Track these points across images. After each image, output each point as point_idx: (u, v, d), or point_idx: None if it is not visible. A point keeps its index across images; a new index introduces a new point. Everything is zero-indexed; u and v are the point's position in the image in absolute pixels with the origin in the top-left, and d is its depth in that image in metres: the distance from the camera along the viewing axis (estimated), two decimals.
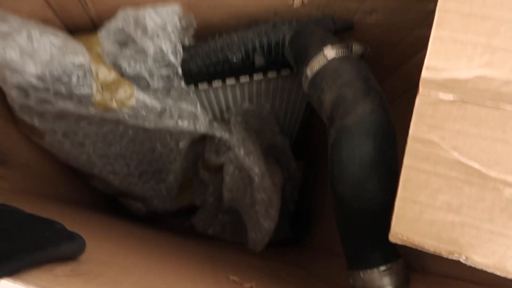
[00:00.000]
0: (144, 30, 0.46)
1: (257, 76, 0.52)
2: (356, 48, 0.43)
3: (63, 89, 0.45)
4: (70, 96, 0.46)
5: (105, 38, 0.48)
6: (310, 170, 0.94)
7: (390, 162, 0.37)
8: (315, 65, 0.42)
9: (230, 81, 0.53)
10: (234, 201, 0.67)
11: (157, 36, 0.46)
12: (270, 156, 0.75)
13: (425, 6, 0.46)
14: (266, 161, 0.69)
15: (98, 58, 0.47)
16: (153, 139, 0.60)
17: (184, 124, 0.52)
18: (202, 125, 0.54)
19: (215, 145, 0.64)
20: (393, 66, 0.59)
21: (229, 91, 0.56)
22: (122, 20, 0.47)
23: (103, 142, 0.57)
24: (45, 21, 0.48)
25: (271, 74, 0.52)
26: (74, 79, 0.45)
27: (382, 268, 0.39)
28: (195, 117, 0.53)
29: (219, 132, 0.56)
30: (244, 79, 0.53)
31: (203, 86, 0.52)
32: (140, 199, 0.71)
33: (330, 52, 0.42)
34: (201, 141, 0.67)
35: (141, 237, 0.59)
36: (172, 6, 0.46)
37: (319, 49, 0.42)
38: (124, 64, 0.48)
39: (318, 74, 0.42)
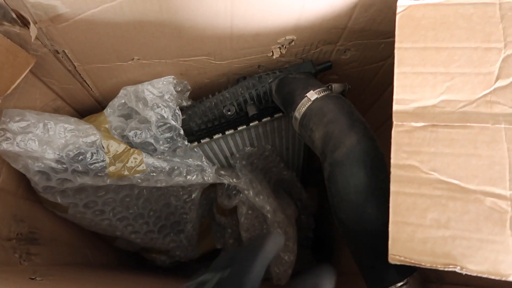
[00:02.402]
0: (145, 103, 0.51)
1: (253, 123, 0.57)
2: (336, 87, 0.47)
3: (80, 167, 0.49)
4: (86, 171, 0.50)
5: (111, 115, 0.53)
6: (324, 195, 0.97)
7: (383, 185, 0.40)
8: (301, 108, 0.46)
9: (229, 132, 0.57)
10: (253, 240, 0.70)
11: (157, 105, 0.51)
12: (281, 190, 0.78)
13: (392, 39, 0.50)
14: (277, 196, 0.73)
15: (107, 133, 0.52)
16: (167, 195, 0.64)
17: (193, 178, 0.56)
18: (210, 176, 0.57)
19: (225, 190, 0.68)
20: (374, 97, 0.64)
21: (230, 140, 0.60)
22: (124, 96, 0.53)
23: (121, 206, 0.61)
24: (57, 110, 0.54)
25: (265, 119, 0.57)
26: (88, 156, 0.49)
27: (399, 284, 0.41)
28: (202, 170, 0.57)
29: (227, 179, 0.60)
30: (241, 127, 0.57)
31: (205, 140, 0.57)
32: (163, 252, 0.74)
33: (313, 95, 0.46)
34: (212, 188, 0.71)
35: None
36: (166, 78, 0.51)
37: (303, 93, 0.47)
38: (131, 135, 0.52)
39: (305, 116, 0.46)
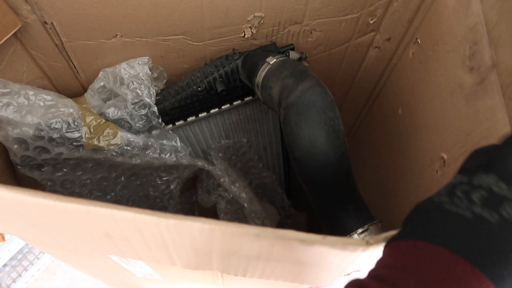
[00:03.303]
0: (121, 81, 0.55)
1: (225, 106, 0.59)
2: (292, 53, 0.51)
3: (57, 135, 0.52)
4: (63, 140, 0.52)
5: (91, 97, 0.57)
6: (312, 220, 0.94)
7: (332, 122, 0.41)
8: (262, 72, 0.49)
9: (202, 115, 0.60)
10: None
11: (132, 83, 0.55)
12: (264, 199, 0.77)
13: (351, 15, 0.54)
14: (260, 203, 0.72)
15: (86, 109, 0.55)
16: (145, 186, 0.64)
17: (166, 156, 0.57)
18: (184, 157, 0.59)
19: (205, 186, 0.67)
20: (344, 87, 0.66)
21: (204, 127, 0.62)
22: (103, 78, 0.57)
23: (98, 190, 0.61)
24: (43, 89, 0.58)
25: (236, 102, 0.59)
26: (65, 126, 0.52)
27: (360, 230, 0.40)
28: (176, 150, 0.58)
29: (202, 163, 0.60)
30: (214, 110, 0.60)
31: (179, 123, 0.59)
32: None
33: (271, 59, 0.49)
34: (193, 190, 0.71)
35: None
36: (142, 58, 0.56)
37: (263, 60, 0.50)
38: (108, 112, 0.55)
39: (265, 77, 0.49)
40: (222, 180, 0.61)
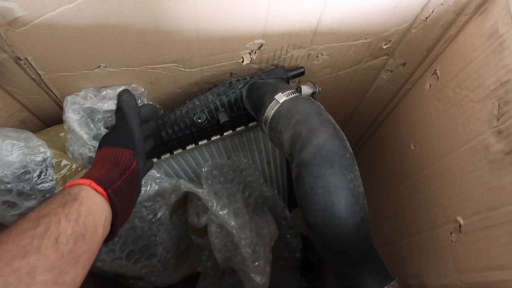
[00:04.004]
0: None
1: (227, 133, 0.55)
2: (305, 89, 0.46)
3: (26, 186, 0.46)
4: (33, 193, 0.47)
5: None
6: None
7: (351, 185, 0.38)
8: (270, 111, 0.45)
9: (202, 142, 0.55)
10: (228, 261, 0.66)
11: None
12: (265, 209, 0.75)
13: (363, 40, 0.49)
14: (258, 213, 0.70)
15: (62, 151, 0.49)
16: (130, 218, 0.61)
17: (147, 188, 0.54)
18: (167, 180, 0.55)
19: (195, 207, 0.65)
20: (353, 106, 0.62)
21: (205, 152, 0.58)
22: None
23: None
24: (24, 121, 0.52)
25: (240, 128, 0.55)
26: (35, 175, 0.46)
27: None
28: (154, 178, 0.55)
29: (185, 185, 0.56)
30: (215, 137, 0.55)
31: (178, 151, 0.55)
32: (140, 278, 0.70)
33: (281, 97, 0.45)
34: (185, 207, 0.68)
35: None
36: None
37: (272, 96, 0.45)
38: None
39: (274, 118, 0.44)
40: (210, 204, 0.58)
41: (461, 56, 0.41)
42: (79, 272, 0.31)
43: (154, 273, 0.69)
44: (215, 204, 0.57)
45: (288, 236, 0.78)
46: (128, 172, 0.41)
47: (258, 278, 0.59)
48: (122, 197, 0.39)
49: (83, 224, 0.32)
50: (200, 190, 0.57)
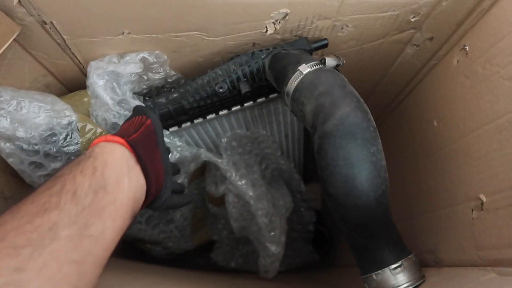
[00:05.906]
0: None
1: (248, 104, 0.55)
2: (329, 61, 0.45)
3: (53, 148, 0.47)
4: (59, 155, 0.48)
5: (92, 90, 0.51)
6: None
7: (374, 158, 0.38)
8: (293, 82, 0.45)
9: (223, 112, 0.55)
10: (244, 230, 0.67)
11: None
12: (281, 181, 0.76)
13: (390, 12, 0.48)
14: (274, 185, 0.71)
15: (86, 115, 0.50)
16: None
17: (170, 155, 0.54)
18: (187, 149, 0.56)
19: (213, 177, 0.66)
20: (374, 80, 0.61)
21: (224, 122, 0.59)
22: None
23: None
24: (48, 86, 0.53)
25: (260, 100, 0.55)
26: (62, 138, 0.47)
27: (393, 266, 0.39)
28: (176, 146, 0.55)
29: (205, 155, 0.57)
30: (235, 108, 0.55)
31: (198, 120, 0.56)
32: (157, 243, 0.72)
33: (305, 68, 0.44)
34: (203, 177, 0.69)
35: (164, 278, 0.60)
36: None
37: (295, 67, 0.45)
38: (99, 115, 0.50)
39: (297, 90, 0.44)
40: (228, 174, 0.59)
41: (493, 31, 0.40)
42: (107, 224, 0.30)
43: (171, 239, 0.71)
44: (233, 174, 0.58)
45: (302, 209, 0.79)
46: (143, 127, 0.41)
47: (273, 248, 0.61)
48: (144, 149, 0.38)
49: (101, 176, 0.32)
50: (219, 160, 0.58)
